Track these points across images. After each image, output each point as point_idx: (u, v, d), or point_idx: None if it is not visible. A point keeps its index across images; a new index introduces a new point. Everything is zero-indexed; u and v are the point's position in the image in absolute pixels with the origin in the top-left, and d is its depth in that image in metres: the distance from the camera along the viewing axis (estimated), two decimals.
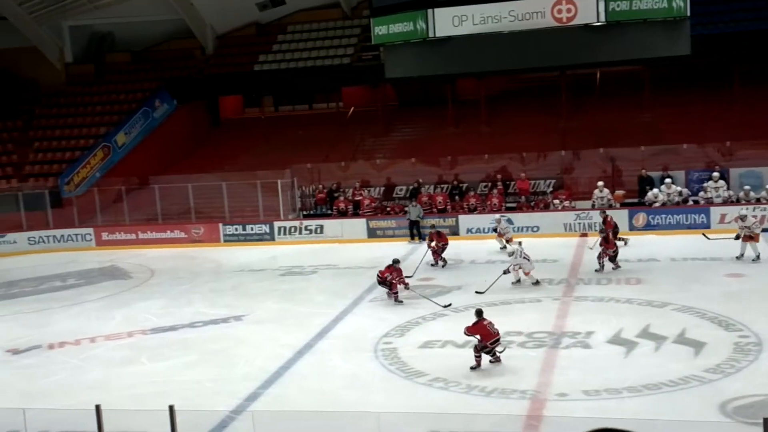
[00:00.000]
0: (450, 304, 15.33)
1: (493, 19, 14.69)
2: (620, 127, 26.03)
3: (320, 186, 25.85)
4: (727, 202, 21.58)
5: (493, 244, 20.94)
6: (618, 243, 18.35)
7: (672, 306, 14.62)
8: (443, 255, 19.27)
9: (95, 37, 32.33)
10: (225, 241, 24.51)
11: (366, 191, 25.27)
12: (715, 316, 13.74)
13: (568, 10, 14.39)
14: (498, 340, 11.99)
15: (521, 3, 14.57)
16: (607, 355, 12.34)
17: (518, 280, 16.73)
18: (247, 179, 25.58)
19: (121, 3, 29.78)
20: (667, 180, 22.27)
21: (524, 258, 16.65)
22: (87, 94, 30.81)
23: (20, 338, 15.28)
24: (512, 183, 24.40)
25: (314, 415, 10.16)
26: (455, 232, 22.63)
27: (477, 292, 16.20)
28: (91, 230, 25.56)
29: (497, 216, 21.41)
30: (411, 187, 25.07)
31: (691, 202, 22.11)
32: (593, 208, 21.89)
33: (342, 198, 24.97)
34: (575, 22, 14.46)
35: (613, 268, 17.57)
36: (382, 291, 16.30)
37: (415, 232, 22.80)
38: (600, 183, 22.69)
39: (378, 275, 16.30)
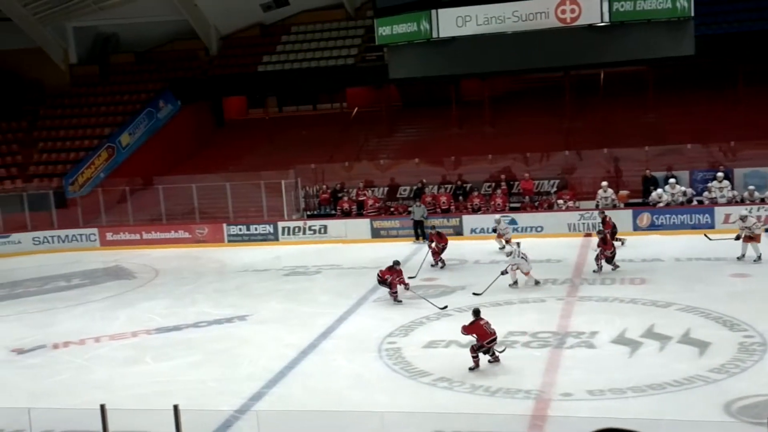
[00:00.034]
0: (446, 307, 15.28)
1: (497, 20, 14.70)
2: (624, 128, 26.00)
3: (324, 186, 25.84)
4: (731, 202, 21.53)
5: (497, 244, 20.93)
6: (615, 243, 18.32)
7: (676, 306, 14.61)
8: (442, 256, 19.21)
9: (99, 38, 32.36)
10: (229, 241, 24.55)
11: (370, 191, 25.27)
12: (719, 316, 13.72)
13: (572, 11, 14.39)
14: (494, 339, 11.98)
15: (525, 3, 14.57)
16: (612, 355, 12.33)
17: (515, 282, 16.59)
18: (251, 180, 25.60)
19: (126, 4, 29.87)
20: (672, 180, 22.23)
21: (522, 258, 16.60)
22: (91, 94, 30.85)
23: (25, 338, 15.31)
24: (516, 183, 24.39)
25: (318, 414, 10.19)
26: (459, 232, 22.65)
27: (474, 294, 16.13)
28: (95, 230, 25.61)
29: (497, 216, 21.39)
30: (415, 188, 25.06)
31: (695, 203, 22.06)
32: (597, 208, 21.86)
33: (346, 198, 24.95)
34: (579, 22, 14.47)
35: (612, 269, 17.52)
36: (385, 291, 16.29)
37: (419, 232, 22.79)
38: (604, 183, 22.66)
39: (378, 275, 16.32)
